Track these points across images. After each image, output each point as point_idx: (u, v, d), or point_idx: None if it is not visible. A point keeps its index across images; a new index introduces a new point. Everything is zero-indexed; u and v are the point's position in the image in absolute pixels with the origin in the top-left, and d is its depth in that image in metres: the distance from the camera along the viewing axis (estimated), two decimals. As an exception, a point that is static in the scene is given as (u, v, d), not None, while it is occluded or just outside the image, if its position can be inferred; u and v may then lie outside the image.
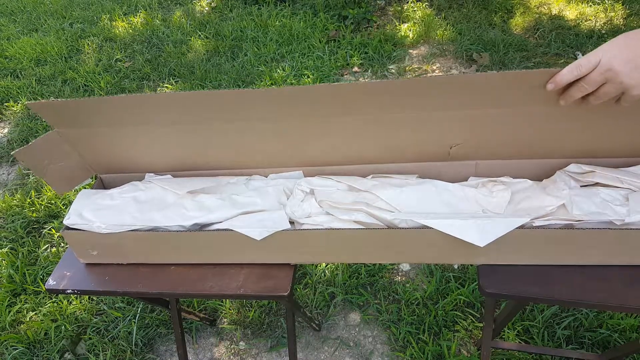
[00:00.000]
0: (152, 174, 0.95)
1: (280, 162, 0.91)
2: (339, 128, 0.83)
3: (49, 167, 0.88)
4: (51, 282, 0.87)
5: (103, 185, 0.99)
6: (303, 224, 0.83)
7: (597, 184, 0.81)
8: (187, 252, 0.85)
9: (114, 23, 3.47)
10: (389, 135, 0.85)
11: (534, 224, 0.75)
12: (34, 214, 1.96)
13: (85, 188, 0.93)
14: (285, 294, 0.81)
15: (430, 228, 0.75)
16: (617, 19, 2.93)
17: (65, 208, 1.97)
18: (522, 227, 0.74)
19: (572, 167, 0.83)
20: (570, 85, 0.67)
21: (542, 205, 0.77)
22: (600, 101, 0.67)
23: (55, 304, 1.60)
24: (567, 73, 0.65)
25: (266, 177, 0.93)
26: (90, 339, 1.51)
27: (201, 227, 0.84)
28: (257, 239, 0.78)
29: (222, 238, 0.82)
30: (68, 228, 0.85)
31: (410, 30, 3.00)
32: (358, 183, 0.86)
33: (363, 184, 0.86)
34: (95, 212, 0.85)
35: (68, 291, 0.86)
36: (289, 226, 0.80)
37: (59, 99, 0.79)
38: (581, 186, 0.82)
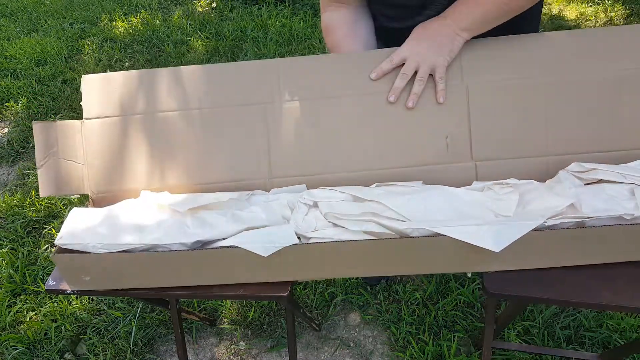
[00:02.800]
0: (147, 191, 0.90)
1: (281, 170, 0.90)
2: (333, 120, 0.89)
3: (51, 158, 0.87)
4: (51, 283, 0.86)
5: (94, 204, 0.94)
6: (310, 238, 0.79)
7: (600, 181, 0.81)
8: (189, 273, 0.81)
9: (114, 23, 3.47)
10: (386, 127, 0.88)
11: (545, 224, 0.75)
12: (34, 214, 1.96)
13: (75, 206, 0.89)
14: (285, 294, 0.81)
15: (443, 236, 0.73)
16: (617, 19, 2.93)
17: (66, 208, 1.97)
18: (535, 228, 0.73)
19: (574, 166, 0.83)
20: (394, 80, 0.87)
21: (551, 205, 0.76)
22: (422, 85, 0.85)
23: (55, 304, 1.60)
24: (385, 65, 0.86)
25: (268, 192, 0.90)
26: (90, 339, 1.51)
27: (203, 245, 0.81)
28: (264, 255, 0.75)
29: (226, 256, 0.77)
30: (61, 249, 0.79)
31: (410, 30, 3.00)
32: (363, 193, 0.84)
33: (368, 194, 0.83)
34: (89, 231, 0.79)
35: (68, 291, 0.85)
36: (297, 241, 0.76)
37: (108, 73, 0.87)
38: (585, 184, 0.81)
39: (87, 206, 0.90)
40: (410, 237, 0.76)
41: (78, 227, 0.80)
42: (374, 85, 0.89)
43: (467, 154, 0.88)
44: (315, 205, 0.85)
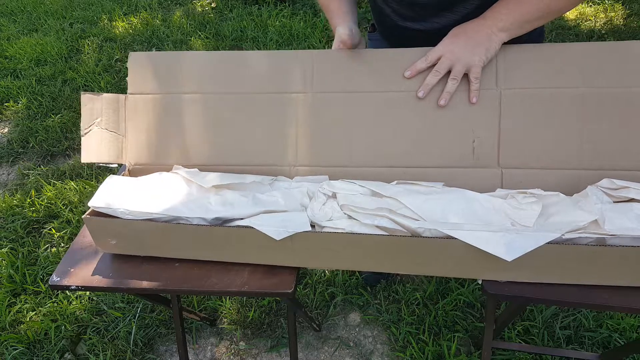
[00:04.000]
0: (180, 166, 0.95)
1: (306, 159, 0.91)
2: (361, 115, 0.90)
3: (95, 127, 0.92)
4: (55, 279, 0.87)
5: (130, 175, 0.98)
6: (324, 227, 0.81)
7: (631, 200, 0.77)
8: (204, 247, 0.85)
9: (114, 23, 3.47)
10: (413, 125, 0.88)
11: (563, 237, 0.72)
12: (34, 214, 1.96)
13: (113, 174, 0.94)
14: (290, 291, 0.81)
15: (456, 239, 0.72)
16: (617, 19, 2.93)
17: (65, 208, 1.97)
18: (551, 241, 0.71)
19: (605, 182, 0.79)
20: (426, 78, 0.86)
21: (573, 220, 0.73)
22: (456, 83, 0.84)
23: (56, 304, 1.60)
24: (420, 63, 0.85)
25: (292, 179, 0.92)
26: (90, 339, 1.51)
27: (222, 222, 0.84)
28: (276, 238, 0.78)
29: (241, 235, 0.81)
30: (93, 212, 0.85)
31: (410, 30, 3.00)
32: (382, 188, 0.84)
33: (387, 190, 0.83)
34: (121, 198, 0.85)
35: (72, 287, 0.86)
36: (309, 228, 0.78)
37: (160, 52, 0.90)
38: (614, 202, 0.78)
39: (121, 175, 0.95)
40: (422, 236, 0.75)
41: (111, 194, 0.86)
42: (406, 83, 0.88)
43: (493, 160, 0.86)
44: (334, 196, 0.86)
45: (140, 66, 0.96)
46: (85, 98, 0.93)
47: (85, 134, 0.92)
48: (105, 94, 0.95)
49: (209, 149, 0.95)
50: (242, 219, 0.83)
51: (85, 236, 0.94)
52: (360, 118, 0.90)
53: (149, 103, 0.96)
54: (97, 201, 0.84)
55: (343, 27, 0.89)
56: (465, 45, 0.81)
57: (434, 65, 0.85)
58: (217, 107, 0.94)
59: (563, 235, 0.72)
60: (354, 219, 0.81)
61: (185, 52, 0.97)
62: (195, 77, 0.95)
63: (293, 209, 0.84)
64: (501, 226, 0.75)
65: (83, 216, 0.84)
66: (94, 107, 0.94)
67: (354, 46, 0.90)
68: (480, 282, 0.79)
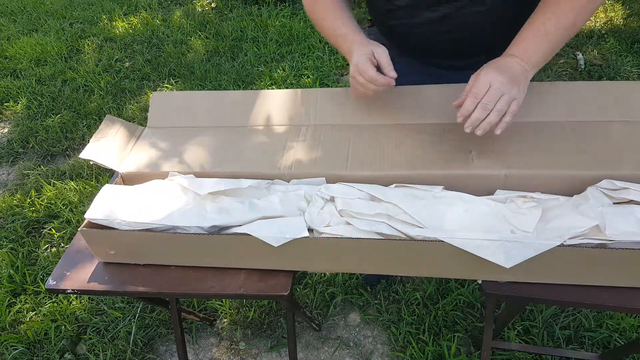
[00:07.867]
0: (175, 172, 0.94)
1: (303, 163, 0.91)
2: (361, 133, 0.94)
3: (104, 138, 0.96)
4: (51, 282, 0.87)
5: (124, 183, 0.98)
6: (322, 233, 0.80)
7: (631, 202, 0.76)
8: (202, 255, 0.85)
9: (114, 23, 3.47)
10: (412, 141, 0.91)
11: (565, 243, 0.72)
12: (34, 214, 1.96)
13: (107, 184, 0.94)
14: (286, 293, 0.81)
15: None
16: (617, 19, 2.93)
17: (65, 208, 1.97)
18: None
19: (605, 183, 0.78)
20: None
21: (573, 225, 0.73)
22: (500, 115, 0.77)
23: (55, 304, 1.60)
24: (470, 103, 0.77)
25: (288, 182, 0.91)
26: (90, 339, 1.51)
27: (220, 230, 0.84)
28: (274, 245, 0.78)
29: (238, 242, 0.81)
30: (90, 223, 0.85)
31: (410, 30, 3.00)
32: (380, 193, 0.82)
33: (385, 195, 0.82)
34: (117, 208, 0.84)
35: (68, 291, 0.86)
36: (307, 234, 0.78)
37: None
38: (614, 203, 0.77)
39: (116, 184, 0.95)
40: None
41: (107, 204, 0.85)
42: (403, 117, 0.95)
43: (494, 163, 0.84)
44: (332, 199, 0.85)
45: (159, 103, 1.06)
46: (108, 119, 0.99)
47: (94, 141, 0.95)
48: (127, 122, 1.02)
49: (205, 157, 0.95)
50: (239, 225, 0.82)
51: (81, 239, 0.94)
52: (358, 138, 0.94)
53: (161, 134, 1.02)
54: (93, 213, 0.84)
55: (362, 59, 0.85)
56: (510, 81, 0.77)
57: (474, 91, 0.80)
58: (219, 136, 0.99)
59: (565, 241, 0.71)
60: (352, 225, 0.80)
61: (198, 92, 1.08)
62: (206, 114, 1.03)
63: (290, 213, 0.83)
64: (500, 234, 0.74)
65: (79, 229, 0.84)
66: (113, 126, 0.99)
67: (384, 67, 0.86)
68: (479, 282, 0.79)
